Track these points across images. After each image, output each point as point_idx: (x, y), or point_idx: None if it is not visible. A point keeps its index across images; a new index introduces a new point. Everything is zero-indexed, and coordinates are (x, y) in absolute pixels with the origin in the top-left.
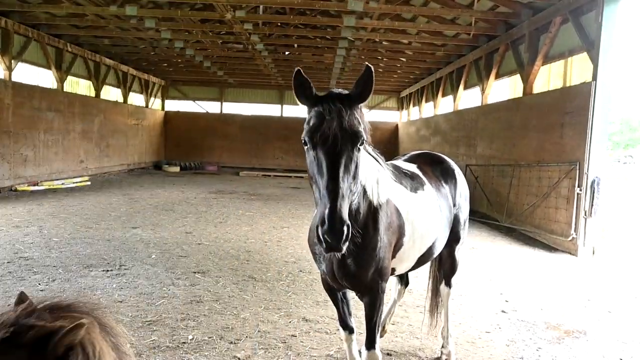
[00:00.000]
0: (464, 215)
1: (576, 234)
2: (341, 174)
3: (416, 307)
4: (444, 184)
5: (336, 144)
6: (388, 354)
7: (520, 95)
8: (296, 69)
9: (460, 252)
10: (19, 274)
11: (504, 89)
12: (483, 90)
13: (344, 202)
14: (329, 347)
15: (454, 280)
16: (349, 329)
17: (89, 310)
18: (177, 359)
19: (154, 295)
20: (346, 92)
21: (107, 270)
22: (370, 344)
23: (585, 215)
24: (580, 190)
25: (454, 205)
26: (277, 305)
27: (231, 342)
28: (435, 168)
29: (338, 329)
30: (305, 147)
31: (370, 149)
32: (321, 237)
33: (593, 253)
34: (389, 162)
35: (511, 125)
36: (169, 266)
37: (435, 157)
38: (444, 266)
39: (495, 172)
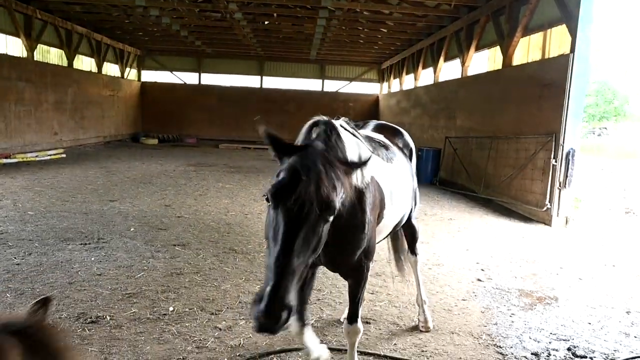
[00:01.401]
0: (416, 185)
1: (550, 205)
2: (297, 249)
3: (395, 277)
4: (406, 154)
5: (301, 212)
6: (367, 322)
7: (500, 67)
8: (263, 129)
9: (415, 220)
10: None
11: (483, 61)
12: (463, 62)
13: (292, 281)
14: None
15: (418, 247)
16: (301, 322)
17: (23, 328)
18: (158, 331)
19: (133, 268)
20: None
21: (85, 244)
22: (352, 318)
23: (560, 186)
24: (556, 161)
25: (412, 173)
26: (258, 277)
27: (212, 313)
28: (397, 139)
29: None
30: (267, 204)
31: (344, 122)
32: (254, 314)
33: (566, 223)
34: (360, 131)
35: (491, 98)
36: (148, 239)
37: (395, 129)
38: (406, 236)
39: (474, 144)
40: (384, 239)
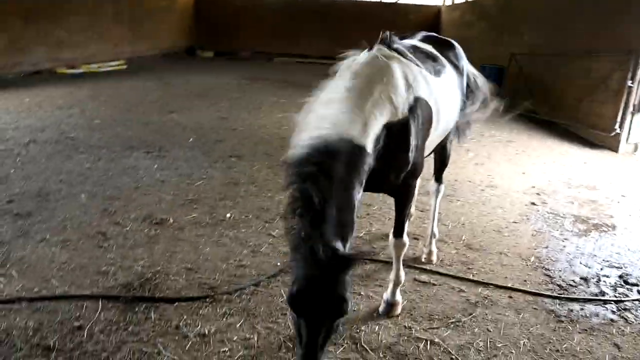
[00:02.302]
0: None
1: (620, 130)
2: (320, 346)
3: (446, 197)
4: (457, 66)
5: (316, 318)
6: (415, 238)
7: None
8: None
9: (452, 144)
10: (66, 153)
11: None
12: None
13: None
14: (359, 230)
15: (445, 175)
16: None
17: None
18: (216, 234)
19: (193, 177)
20: (341, 250)
21: (148, 152)
22: (398, 232)
23: (634, 110)
24: (632, 83)
25: (462, 87)
26: None
27: (266, 222)
28: (448, 51)
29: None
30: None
31: (386, 49)
32: None
33: (635, 150)
34: (406, 43)
35: (565, 10)
36: (206, 150)
37: (445, 40)
38: (436, 161)
39: (541, 63)
40: (428, 155)
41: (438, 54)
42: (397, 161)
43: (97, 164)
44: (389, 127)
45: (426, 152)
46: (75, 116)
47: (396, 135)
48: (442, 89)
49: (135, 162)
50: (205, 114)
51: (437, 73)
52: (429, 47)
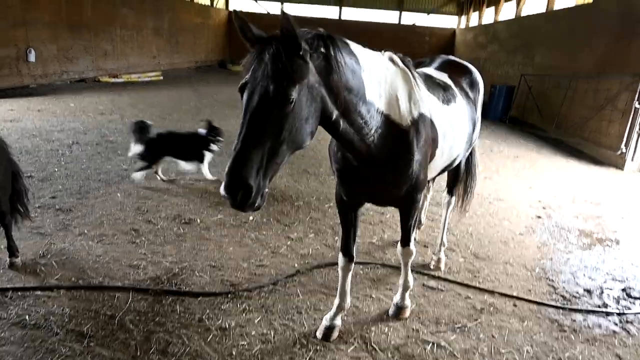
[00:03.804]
0: (477, 129)
1: (626, 149)
2: (252, 136)
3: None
4: (470, 96)
5: (251, 100)
6: (425, 246)
7: (590, 0)
8: (233, 10)
9: (470, 161)
10: (106, 155)
11: None
12: None
13: (249, 165)
14: (371, 236)
15: (468, 189)
16: (349, 256)
17: None
18: (239, 235)
19: (219, 181)
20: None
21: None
22: (405, 242)
23: None
24: (639, 104)
25: (473, 118)
26: (328, 197)
27: (286, 225)
28: (464, 78)
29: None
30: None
31: (398, 59)
32: (222, 191)
33: None
34: (419, 71)
35: (575, 34)
36: None
37: (463, 66)
38: (449, 175)
39: (551, 83)
40: (432, 178)
41: (450, 83)
42: (399, 170)
43: (134, 166)
44: (390, 125)
45: (433, 174)
46: (115, 121)
47: (399, 142)
48: (450, 117)
49: (167, 165)
50: (234, 122)
51: (447, 102)
52: (442, 76)
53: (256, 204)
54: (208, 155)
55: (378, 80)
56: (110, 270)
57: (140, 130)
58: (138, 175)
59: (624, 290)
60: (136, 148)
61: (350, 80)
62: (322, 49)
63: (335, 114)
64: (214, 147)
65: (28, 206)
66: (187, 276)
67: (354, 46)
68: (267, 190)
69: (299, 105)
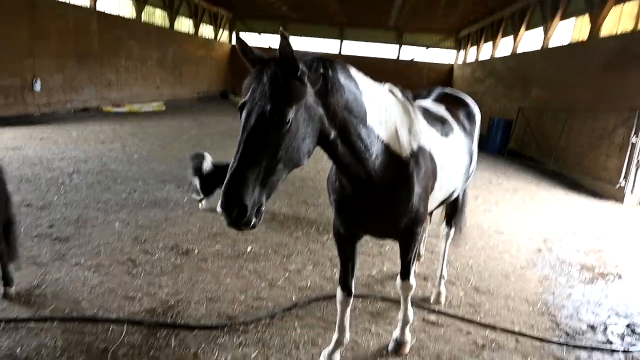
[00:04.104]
0: (474, 160)
1: (625, 182)
2: (249, 155)
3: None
4: (467, 128)
5: (249, 119)
6: (424, 279)
7: (586, 37)
8: (234, 33)
9: (464, 194)
10: (106, 184)
11: (568, 30)
12: (546, 32)
13: (245, 184)
14: (370, 269)
15: (459, 222)
16: (347, 290)
17: None
18: (237, 267)
19: (218, 211)
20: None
21: (179, 186)
22: (405, 275)
23: (638, 164)
24: (637, 139)
25: (470, 150)
26: (327, 228)
27: (284, 256)
28: (461, 110)
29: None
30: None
31: (398, 92)
32: (219, 209)
33: None
34: (417, 104)
35: (571, 70)
36: None
37: (460, 99)
38: (447, 207)
39: (548, 117)
40: (435, 209)
41: (448, 116)
42: (398, 202)
43: (133, 195)
44: (390, 154)
45: (432, 206)
46: (116, 150)
47: (398, 173)
48: (448, 149)
49: (167, 194)
50: (234, 153)
51: (445, 134)
52: (440, 109)
53: (252, 223)
54: None
55: (379, 107)
56: (105, 302)
57: (197, 161)
58: (204, 203)
59: (628, 326)
60: (194, 180)
61: (350, 101)
62: (322, 70)
63: (333, 133)
64: None
65: (16, 241)
66: (183, 308)
67: (355, 72)
68: (263, 208)
69: (296, 126)
